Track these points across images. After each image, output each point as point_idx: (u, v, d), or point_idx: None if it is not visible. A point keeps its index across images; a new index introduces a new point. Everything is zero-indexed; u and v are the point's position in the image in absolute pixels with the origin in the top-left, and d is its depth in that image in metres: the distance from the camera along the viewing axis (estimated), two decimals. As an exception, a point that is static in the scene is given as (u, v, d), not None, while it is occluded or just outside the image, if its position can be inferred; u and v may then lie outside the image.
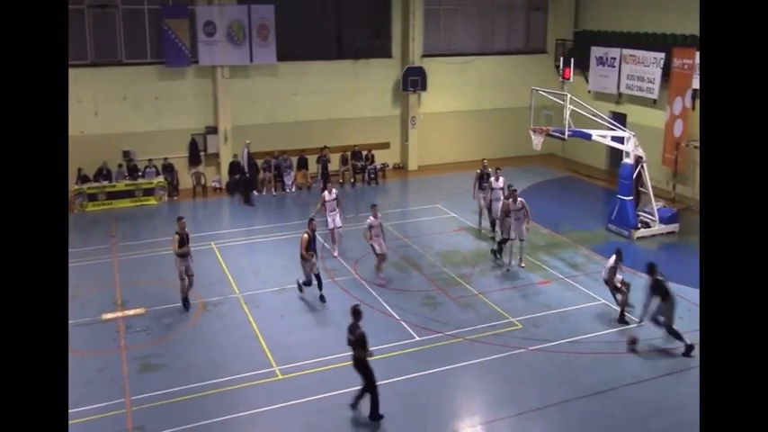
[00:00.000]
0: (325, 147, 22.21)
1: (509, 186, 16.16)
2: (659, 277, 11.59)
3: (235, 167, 21.33)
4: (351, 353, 9.75)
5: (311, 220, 13.78)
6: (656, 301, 11.52)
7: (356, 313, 9.68)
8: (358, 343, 9.55)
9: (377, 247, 14.33)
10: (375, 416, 9.68)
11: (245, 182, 20.88)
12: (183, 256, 12.98)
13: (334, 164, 22.80)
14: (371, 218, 14.39)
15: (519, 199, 15.20)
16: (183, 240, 12.99)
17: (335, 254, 15.94)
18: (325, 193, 16.32)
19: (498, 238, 16.90)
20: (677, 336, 11.34)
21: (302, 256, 13.32)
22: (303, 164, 22.29)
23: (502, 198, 17.13)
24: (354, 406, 9.86)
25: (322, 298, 13.47)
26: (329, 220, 16.06)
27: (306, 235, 13.27)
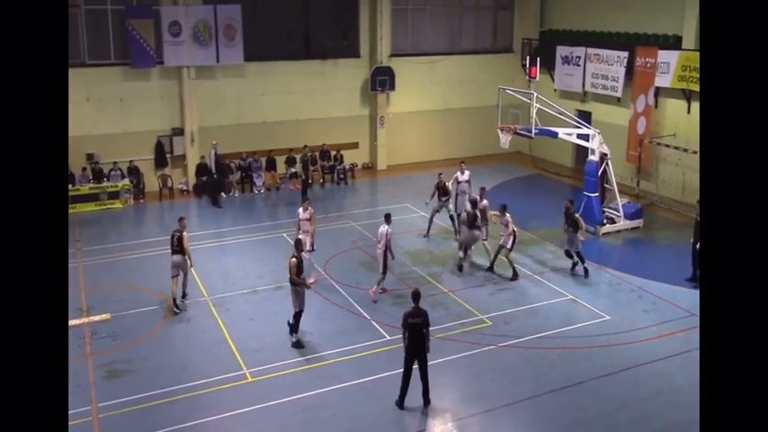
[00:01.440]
0: (306, 146, 22.02)
1: (482, 189, 16.08)
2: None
3: (202, 169, 21.10)
4: (404, 340, 9.83)
5: (299, 241, 12.31)
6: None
7: (417, 296, 9.92)
8: (427, 323, 9.77)
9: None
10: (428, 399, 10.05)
11: (213, 183, 20.67)
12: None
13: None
14: (389, 227, 13.43)
15: (483, 202, 15.35)
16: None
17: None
18: (300, 210, 14.80)
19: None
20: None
21: (293, 282, 11.62)
22: (272, 165, 22.15)
23: (467, 192, 17.24)
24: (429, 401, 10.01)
25: (299, 343, 11.74)
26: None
27: (294, 259, 11.60)
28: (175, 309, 13.01)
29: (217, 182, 20.70)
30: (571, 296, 13.81)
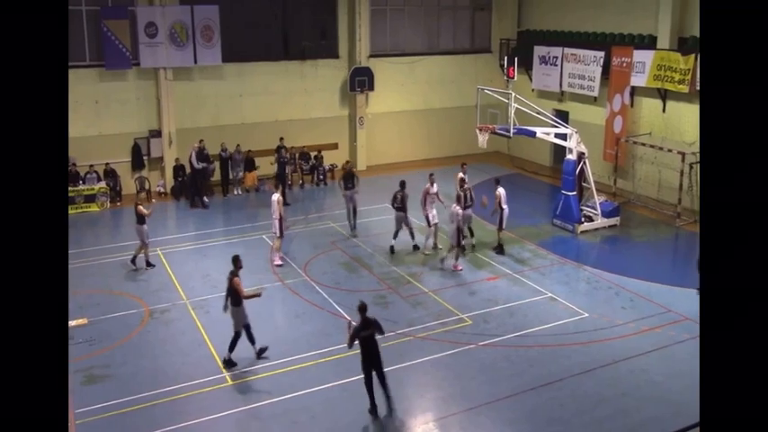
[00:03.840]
0: (284, 147, 21.92)
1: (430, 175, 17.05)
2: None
3: (179, 171, 20.88)
4: (361, 350, 9.78)
5: (237, 258, 11.37)
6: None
7: (364, 309, 9.80)
8: (380, 328, 9.78)
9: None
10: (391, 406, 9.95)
11: (195, 184, 20.43)
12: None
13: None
14: (458, 207, 14.86)
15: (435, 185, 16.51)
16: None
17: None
18: (278, 195, 15.67)
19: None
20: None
21: (239, 302, 10.99)
22: (250, 166, 22.01)
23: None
24: (393, 409, 9.92)
25: (261, 352, 11.32)
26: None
27: (237, 278, 11.02)
28: (132, 265, 15.27)
29: (196, 184, 20.41)
30: (550, 294, 13.92)
